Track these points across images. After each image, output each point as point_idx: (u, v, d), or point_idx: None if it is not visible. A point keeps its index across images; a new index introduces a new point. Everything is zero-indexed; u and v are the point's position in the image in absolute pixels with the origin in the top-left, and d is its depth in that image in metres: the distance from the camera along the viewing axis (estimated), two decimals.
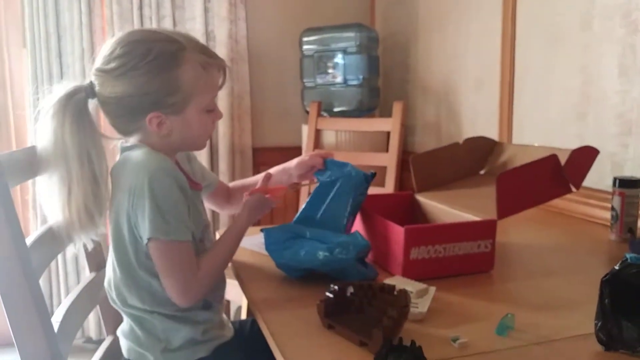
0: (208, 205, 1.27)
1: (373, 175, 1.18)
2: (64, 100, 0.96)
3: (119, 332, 1.08)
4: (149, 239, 0.95)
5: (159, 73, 0.96)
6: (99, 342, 1.24)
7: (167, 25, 2.60)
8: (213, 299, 1.08)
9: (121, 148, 1.04)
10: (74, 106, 0.96)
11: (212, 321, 1.07)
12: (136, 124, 1.00)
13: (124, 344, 1.06)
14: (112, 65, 0.96)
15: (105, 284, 1.05)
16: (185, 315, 1.01)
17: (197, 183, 1.12)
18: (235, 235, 1.07)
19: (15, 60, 2.62)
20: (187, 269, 0.97)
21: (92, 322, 2.70)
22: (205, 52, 1.01)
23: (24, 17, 2.48)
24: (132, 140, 1.03)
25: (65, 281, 2.66)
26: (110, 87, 0.97)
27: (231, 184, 1.34)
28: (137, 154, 0.99)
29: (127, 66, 0.95)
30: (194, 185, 1.08)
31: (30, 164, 0.98)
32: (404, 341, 0.75)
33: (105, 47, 0.99)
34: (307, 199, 1.18)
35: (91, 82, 0.99)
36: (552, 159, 1.20)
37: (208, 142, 2.66)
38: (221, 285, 1.12)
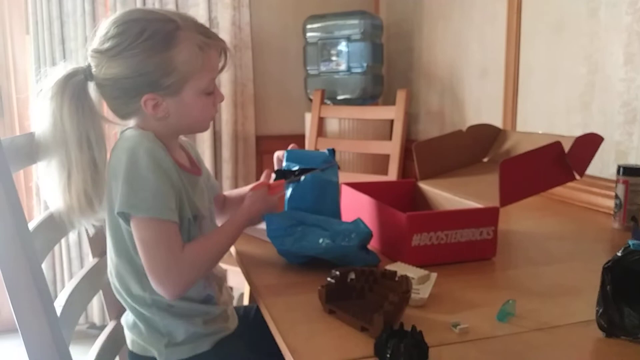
0: None
1: (331, 152, 1.16)
2: (62, 82, 0.95)
3: (123, 321, 1.07)
4: (118, 213, 0.91)
5: (153, 53, 0.93)
6: (102, 327, 1.24)
7: None
8: (211, 290, 1.05)
9: (120, 133, 1.02)
10: (73, 88, 0.95)
11: (212, 313, 1.05)
12: (132, 106, 0.97)
13: (128, 336, 1.05)
14: (107, 45, 0.94)
15: (108, 273, 1.04)
16: (182, 309, 1.00)
17: (198, 168, 1.10)
18: (232, 229, 1.02)
19: (19, 47, 2.62)
20: (166, 249, 0.91)
21: (96, 308, 2.72)
22: (203, 32, 0.97)
23: (27, 4, 2.48)
24: (131, 124, 1.01)
25: (69, 267, 2.68)
26: (105, 68, 0.94)
27: (226, 193, 1.28)
28: (128, 133, 0.97)
29: (121, 46, 0.93)
30: (194, 171, 1.06)
31: (32, 149, 0.98)
32: (404, 326, 0.75)
33: (101, 28, 0.96)
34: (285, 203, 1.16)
35: (89, 64, 0.97)
36: (556, 146, 1.19)
37: (211, 130, 2.67)
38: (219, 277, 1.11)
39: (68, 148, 0.94)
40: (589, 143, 1.28)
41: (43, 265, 0.92)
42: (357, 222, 1.07)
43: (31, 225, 0.93)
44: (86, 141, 0.95)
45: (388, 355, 0.71)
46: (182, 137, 1.12)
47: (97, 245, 1.25)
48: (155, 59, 0.93)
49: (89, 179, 0.95)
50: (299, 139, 2.66)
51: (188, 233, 0.99)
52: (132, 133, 0.96)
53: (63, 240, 2.57)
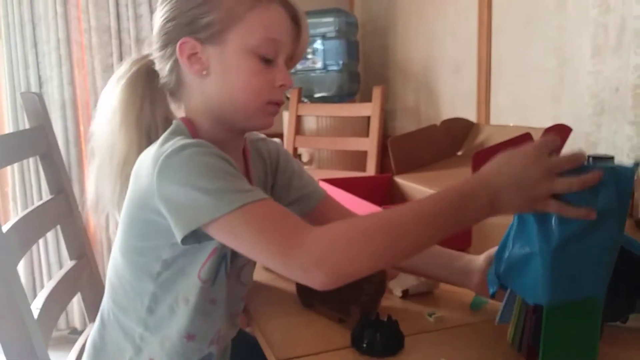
0: None
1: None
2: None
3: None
4: (184, 239, 0.67)
5: None
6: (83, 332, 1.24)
7: (143, 11, 2.57)
8: (214, 347, 0.82)
9: None
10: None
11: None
12: (171, 59, 0.78)
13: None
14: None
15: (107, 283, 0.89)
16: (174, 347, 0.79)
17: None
18: (431, 204, 0.73)
19: None
20: (275, 223, 0.66)
21: (76, 313, 2.69)
22: None
23: None
24: (179, 110, 0.83)
25: (48, 273, 2.64)
26: (157, 16, 0.79)
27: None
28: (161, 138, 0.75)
29: None
30: None
31: (6, 151, 0.97)
32: (381, 317, 0.76)
33: None
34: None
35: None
36: (526, 137, 1.22)
37: None
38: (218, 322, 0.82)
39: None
40: (558, 134, 1.31)
41: (22, 272, 0.91)
42: None
43: (5, 227, 0.93)
44: None
45: (364, 345, 0.72)
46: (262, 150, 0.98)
47: (75, 247, 1.25)
48: None
49: None
50: (277, 137, 2.66)
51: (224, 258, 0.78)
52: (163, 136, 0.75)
53: (42, 246, 2.54)
